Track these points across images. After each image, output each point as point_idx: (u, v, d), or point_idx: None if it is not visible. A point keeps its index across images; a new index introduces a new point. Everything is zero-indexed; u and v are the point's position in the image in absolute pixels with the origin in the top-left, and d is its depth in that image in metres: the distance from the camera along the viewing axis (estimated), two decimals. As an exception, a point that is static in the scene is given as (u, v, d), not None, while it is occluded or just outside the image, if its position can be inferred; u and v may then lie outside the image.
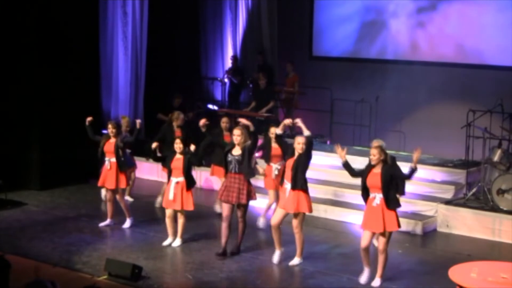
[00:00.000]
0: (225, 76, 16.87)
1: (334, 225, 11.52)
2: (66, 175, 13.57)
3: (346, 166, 8.99)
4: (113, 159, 11.00)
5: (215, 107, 16.60)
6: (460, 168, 12.40)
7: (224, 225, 9.75)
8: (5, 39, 13.17)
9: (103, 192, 12.27)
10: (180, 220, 10.22)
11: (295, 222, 9.28)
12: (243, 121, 10.43)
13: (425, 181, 12.26)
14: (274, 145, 10.88)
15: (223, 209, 9.83)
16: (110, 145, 11.07)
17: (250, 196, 9.74)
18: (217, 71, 17.37)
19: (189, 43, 16.93)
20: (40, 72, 13.29)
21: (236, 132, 9.75)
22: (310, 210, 9.31)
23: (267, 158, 11.19)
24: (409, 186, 10.68)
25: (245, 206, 9.80)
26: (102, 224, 11.17)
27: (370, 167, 8.72)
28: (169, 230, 10.31)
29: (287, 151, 9.81)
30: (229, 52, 17.10)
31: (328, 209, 12.02)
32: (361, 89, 15.32)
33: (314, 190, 12.56)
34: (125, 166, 11.23)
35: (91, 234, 10.82)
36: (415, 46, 15.06)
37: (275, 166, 10.95)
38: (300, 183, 9.18)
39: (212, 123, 15.90)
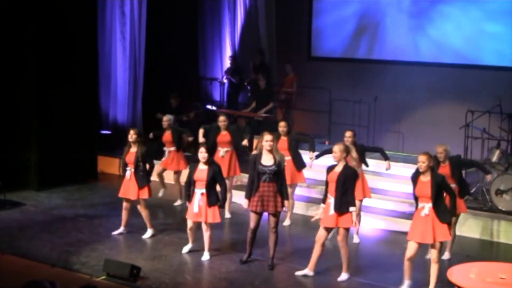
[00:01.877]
0: (224, 76, 16.87)
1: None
2: (64, 175, 13.55)
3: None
4: (133, 169, 10.55)
5: (214, 108, 16.59)
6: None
7: (251, 236, 9.43)
8: (3, 40, 13.15)
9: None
10: (207, 233, 9.71)
11: (340, 237, 8.93)
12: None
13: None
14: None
15: (252, 219, 9.37)
16: (131, 155, 10.57)
17: (283, 204, 9.41)
18: (216, 71, 17.37)
19: (187, 43, 16.93)
20: (38, 72, 13.27)
21: (268, 137, 9.28)
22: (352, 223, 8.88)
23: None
24: (408, 186, 10.64)
25: (279, 216, 9.46)
26: (115, 232, 10.80)
27: (417, 174, 8.38)
28: (191, 238, 9.94)
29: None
30: (227, 53, 17.10)
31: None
32: (359, 90, 15.32)
33: (314, 190, 12.62)
34: (144, 182, 10.55)
35: (90, 235, 10.81)
36: (413, 46, 15.06)
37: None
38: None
39: (211, 123, 15.95)
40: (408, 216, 11.39)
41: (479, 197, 11.64)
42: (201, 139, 12.05)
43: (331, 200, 8.77)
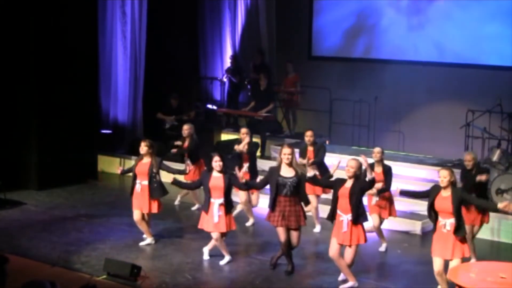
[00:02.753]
0: (224, 75, 16.87)
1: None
2: (65, 175, 13.54)
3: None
4: (145, 182, 10.10)
5: (214, 107, 16.60)
6: (459, 168, 12.35)
7: (285, 249, 9.14)
8: (3, 40, 13.15)
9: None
10: (217, 243, 9.54)
11: (351, 254, 8.63)
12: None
13: (424, 181, 12.25)
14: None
15: (281, 234, 9.06)
16: (143, 166, 10.15)
17: (305, 217, 9.20)
18: (216, 71, 17.36)
19: (188, 43, 16.93)
20: (38, 72, 13.27)
21: (287, 151, 9.00)
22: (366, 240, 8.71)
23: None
24: (408, 186, 10.67)
25: (300, 231, 9.18)
26: (143, 243, 10.37)
27: (438, 189, 8.17)
28: (222, 249, 9.61)
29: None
30: (228, 52, 17.10)
31: (328, 209, 11.96)
32: (360, 89, 15.33)
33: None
34: (157, 193, 10.20)
35: (90, 234, 10.81)
36: (414, 46, 15.06)
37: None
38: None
39: (211, 123, 15.98)
40: (408, 215, 11.40)
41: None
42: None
43: (343, 217, 8.49)
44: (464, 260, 8.19)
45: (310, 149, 10.94)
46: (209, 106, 16.72)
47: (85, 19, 13.89)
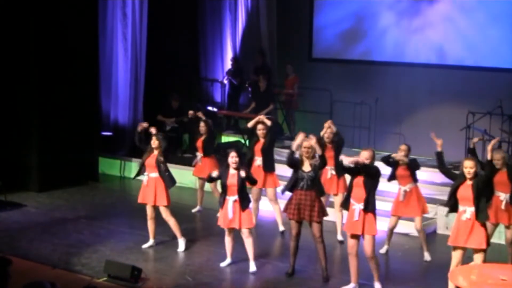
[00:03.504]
0: (225, 77, 16.87)
1: (334, 226, 11.47)
2: (65, 176, 13.56)
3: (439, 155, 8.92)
4: (153, 174, 10.13)
5: (215, 109, 16.60)
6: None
7: (293, 244, 9.19)
8: (4, 41, 13.16)
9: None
10: (248, 239, 9.34)
11: (369, 247, 8.60)
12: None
13: (424, 183, 12.24)
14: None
15: (292, 227, 9.14)
16: (152, 159, 10.19)
17: (323, 213, 9.14)
18: (217, 72, 17.37)
19: (188, 45, 16.93)
20: (39, 73, 13.28)
21: (307, 144, 9.05)
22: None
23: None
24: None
25: (320, 224, 9.14)
26: (145, 245, 10.33)
27: (463, 178, 8.18)
28: (228, 250, 9.57)
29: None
30: (229, 54, 17.11)
31: (328, 210, 11.95)
32: (360, 91, 15.32)
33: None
34: (171, 182, 10.26)
35: (91, 236, 10.81)
36: (414, 48, 15.07)
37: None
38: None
39: (212, 124, 15.93)
40: (408, 217, 11.38)
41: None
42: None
43: (355, 206, 8.52)
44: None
45: (329, 146, 10.80)
46: (210, 108, 16.72)
47: (86, 20, 13.90)
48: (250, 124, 11.33)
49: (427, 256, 10.03)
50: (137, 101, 15.25)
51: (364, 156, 8.57)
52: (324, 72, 16.10)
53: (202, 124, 12.21)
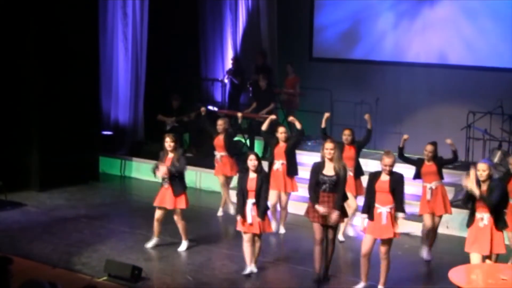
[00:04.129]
0: (226, 76, 16.87)
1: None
2: (65, 176, 13.55)
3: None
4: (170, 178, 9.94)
5: (215, 108, 16.59)
6: (460, 169, 12.38)
7: (318, 249, 8.90)
8: (4, 41, 13.15)
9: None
10: (257, 243, 9.21)
11: (384, 248, 8.58)
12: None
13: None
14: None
15: (316, 231, 8.87)
16: (167, 162, 9.97)
17: (344, 214, 9.01)
18: (217, 72, 17.36)
19: (189, 44, 16.93)
20: (39, 73, 13.28)
21: (329, 145, 8.81)
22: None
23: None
24: (409, 188, 10.64)
25: (337, 228, 9.05)
26: (149, 244, 10.21)
27: (477, 184, 8.03)
28: (247, 256, 9.23)
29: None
30: (229, 53, 17.10)
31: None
32: (361, 91, 15.33)
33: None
34: (179, 189, 9.97)
35: (91, 235, 10.81)
36: (415, 48, 15.06)
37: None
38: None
39: (212, 124, 15.91)
40: (409, 216, 11.36)
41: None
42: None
43: (382, 209, 8.38)
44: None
45: (348, 148, 10.67)
46: (210, 107, 16.71)
47: (86, 19, 13.90)
48: (264, 127, 11.13)
49: (427, 256, 9.94)
50: (137, 100, 15.25)
51: (387, 163, 8.41)
52: (324, 72, 16.10)
53: (220, 121, 11.93)
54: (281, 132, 10.87)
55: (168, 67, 16.07)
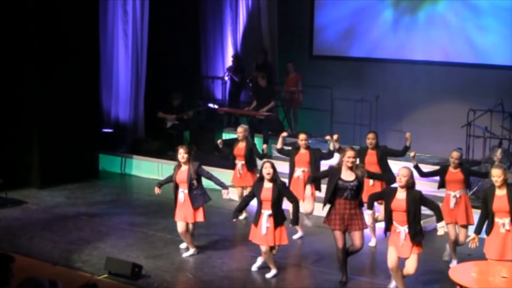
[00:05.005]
0: (226, 74, 16.86)
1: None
2: (66, 174, 13.55)
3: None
4: (186, 190, 9.65)
5: (216, 106, 16.60)
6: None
7: (342, 255, 8.67)
8: (4, 40, 13.14)
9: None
10: (273, 250, 9.03)
11: (413, 264, 8.12)
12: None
13: (425, 180, 12.21)
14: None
15: (338, 239, 8.61)
16: (182, 174, 9.64)
17: (364, 221, 8.74)
18: (217, 70, 17.37)
19: (189, 42, 16.94)
20: (40, 71, 13.28)
21: (351, 153, 8.59)
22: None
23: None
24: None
25: (362, 232, 8.72)
26: (186, 254, 9.88)
27: (492, 189, 8.00)
28: (270, 264, 9.07)
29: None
30: (229, 51, 17.10)
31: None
32: (361, 89, 15.32)
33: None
34: (199, 202, 9.70)
35: (91, 233, 10.81)
36: (415, 45, 15.05)
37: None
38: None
39: (212, 122, 15.94)
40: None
41: (480, 196, 11.59)
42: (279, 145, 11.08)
43: (400, 229, 8.04)
44: None
45: (372, 152, 10.34)
46: (210, 105, 16.72)
47: (87, 17, 13.89)
48: (279, 146, 10.94)
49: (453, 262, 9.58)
50: (138, 98, 15.25)
51: (401, 173, 8.02)
52: (324, 69, 16.09)
53: (240, 129, 11.51)
54: (301, 139, 10.63)
55: (168, 65, 16.07)
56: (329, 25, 16.26)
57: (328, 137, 10.81)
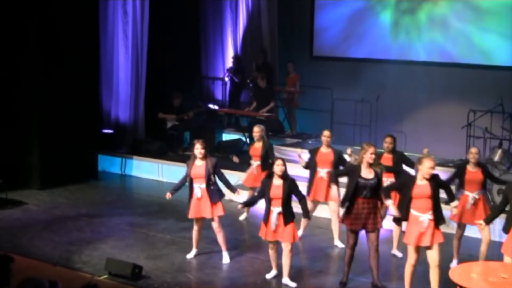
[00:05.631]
0: (226, 74, 16.87)
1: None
2: (66, 174, 13.55)
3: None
4: (204, 185, 9.40)
5: (216, 107, 16.60)
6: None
7: (350, 253, 8.70)
8: (5, 40, 13.15)
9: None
10: (289, 254, 8.77)
11: (437, 255, 8.16)
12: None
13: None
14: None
15: (350, 237, 8.62)
16: (198, 169, 9.42)
17: (381, 220, 8.70)
18: (218, 70, 17.37)
19: (189, 43, 16.94)
20: (40, 71, 13.27)
21: (372, 150, 8.46)
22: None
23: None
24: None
25: (378, 233, 8.67)
26: (189, 255, 9.80)
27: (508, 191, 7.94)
28: (273, 262, 9.06)
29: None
30: (230, 52, 17.11)
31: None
32: (361, 89, 15.32)
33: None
34: (217, 197, 9.49)
35: (91, 234, 10.81)
36: (415, 46, 15.05)
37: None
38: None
39: (212, 123, 15.95)
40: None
41: (500, 192, 11.57)
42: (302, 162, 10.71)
43: (423, 217, 7.99)
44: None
45: (388, 156, 10.06)
46: (211, 105, 16.72)
47: (87, 18, 13.89)
48: (303, 164, 10.64)
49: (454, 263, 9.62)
50: (138, 98, 15.25)
51: (431, 165, 7.99)
52: (325, 70, 16.10)
53: (257, 129, 11.28)
54: (325, 135, 10.39)
55: (168, 65, 16.08)
56: (329, 25, 16.26)
57: (350, 152, 10.33)
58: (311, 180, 10.46)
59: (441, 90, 14.75)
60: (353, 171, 8.58)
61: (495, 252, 10.39)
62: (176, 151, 14.95)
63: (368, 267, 8.85)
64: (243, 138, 14.94)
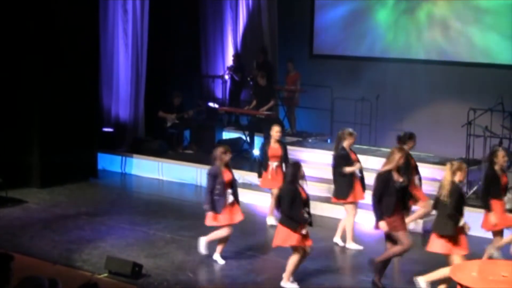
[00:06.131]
0: (226, 73, 16.86)
1: (335, 223, 11.47)
2: (66, 173, 13.55)
3: None
4: (229, 190, 9.34)
5: (216, 105, 16.59)
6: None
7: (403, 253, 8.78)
8: (4, 39, 13.14)
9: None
10: (298, 258, 8.74)
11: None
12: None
13: (425, 179, 12.17)
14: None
15: (406, 237, 8.64)
16: (227, 175, 9.37)
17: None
18: (218, 69, 17.36)
19: (189, 41, 16.93)
20: (40, 70, 13.27)
21: (402, 153, 8.65)
22: None
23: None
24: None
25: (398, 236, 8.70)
26: (217, 258, 9.61)
27: None
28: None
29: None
30: (230, 51, 17.10)
31: (329, 207, 11.98)
32: (361, 88, 15.32)
33: (314, 188, 12.56)
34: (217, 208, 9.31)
35: (91, 232, 10.81)
36: (416, 45, 15.05)
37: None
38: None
39: (213, 121, 15.95)
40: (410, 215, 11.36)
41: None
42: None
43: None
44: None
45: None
46: (211, 104, 16.72)
47: (87, 16, 13.88)
48: (347, 170, 10.37)
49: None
50: (138, 97, 15.25)
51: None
52: (325, 68, 16.09)
53: (277, 128, 11.08)
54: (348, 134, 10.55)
55: (168, 64, 16.07)
56: (329, 24, 16.26)
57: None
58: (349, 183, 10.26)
59: (441, 88, 14.74)
60: (388, 179, 8.54)
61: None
62: (176, 149, 14.96)
63: (367, 265, 8.85)
64: (243, 137, 14.94)
